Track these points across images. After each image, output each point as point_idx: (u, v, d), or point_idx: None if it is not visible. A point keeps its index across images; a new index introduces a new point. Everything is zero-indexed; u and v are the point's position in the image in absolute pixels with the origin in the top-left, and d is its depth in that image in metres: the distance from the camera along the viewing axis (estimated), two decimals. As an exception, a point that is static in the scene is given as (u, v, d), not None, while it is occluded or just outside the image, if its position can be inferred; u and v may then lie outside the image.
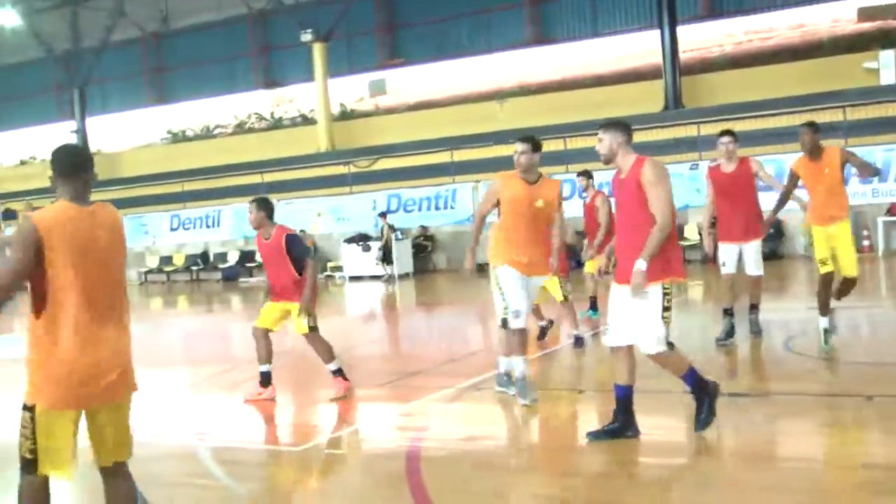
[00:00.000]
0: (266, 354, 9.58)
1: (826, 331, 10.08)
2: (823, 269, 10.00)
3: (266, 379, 9.58)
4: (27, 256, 4.42)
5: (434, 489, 6.23)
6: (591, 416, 8.31)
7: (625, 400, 6.98)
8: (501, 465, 7.06)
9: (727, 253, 10.77)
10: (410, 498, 6.10)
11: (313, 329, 9.44)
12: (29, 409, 4.52)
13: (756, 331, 11.07)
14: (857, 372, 9.38)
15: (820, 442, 7.15)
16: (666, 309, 6.66)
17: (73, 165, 4.76)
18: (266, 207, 9.58)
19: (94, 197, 4.78)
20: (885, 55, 25.50)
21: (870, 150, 23.22)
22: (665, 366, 6.97)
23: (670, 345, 6.80)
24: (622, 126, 7.13)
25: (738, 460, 6.62)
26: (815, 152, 10.08)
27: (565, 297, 11.43)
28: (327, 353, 9.48)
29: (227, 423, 8.99)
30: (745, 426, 7.28)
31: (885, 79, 25.34)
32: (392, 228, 27.60)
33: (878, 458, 6.55)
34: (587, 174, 14.53)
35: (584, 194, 14.50)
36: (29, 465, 4.57)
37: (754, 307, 11.08)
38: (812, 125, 10.29)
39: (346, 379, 9.47)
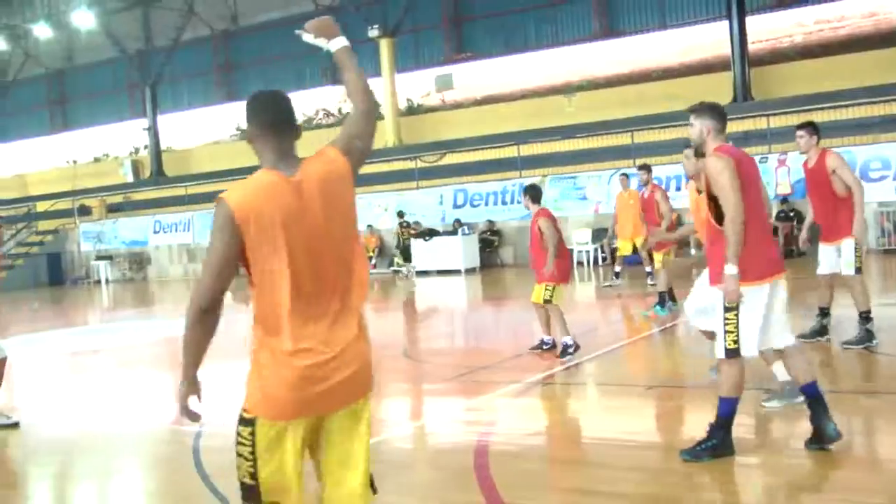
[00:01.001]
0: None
1: None
2: None
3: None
4: (226, 247, 3.58)
5: (502, 483, 6.24)
6: (655, 411, 8.29)
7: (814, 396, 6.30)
8: (569, 459, 7.07)
9: (820, 252, 10.16)
10: (479, 492, 6.13)
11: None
12: (247, 422, 3.64)
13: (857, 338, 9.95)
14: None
15: None
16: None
17: (275, 117, 3.72)
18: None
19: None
20: (963, 43, 24.96)
21: (946, 141, 22.77)
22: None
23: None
24: (713, 110, 6.25)
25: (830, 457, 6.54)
26: None
27: (547, 301, 10.87)
28: None
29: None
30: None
31: (962, 67, 24.81)
32: (407, 226, 28.06)
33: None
34: (647, 168, 14.59)
35: (644, 188, 14.46)
36: (250, 493, 3.67)
37: (863, 315, 9.91)
38: None
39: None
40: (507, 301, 20.21)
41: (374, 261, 29.58)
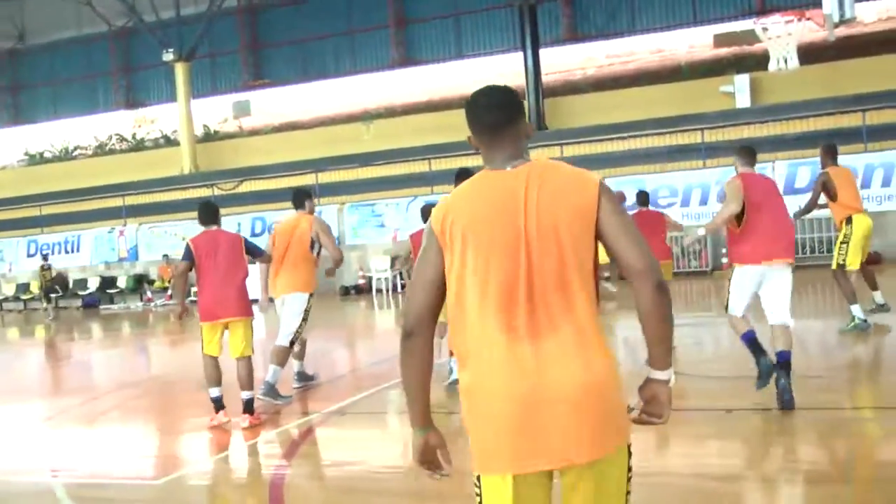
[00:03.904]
0: None
1: None
2: None
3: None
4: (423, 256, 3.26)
5: (299, 519, 6.11)
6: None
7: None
8: (368, 489, 6.99)
9: None
10: (275, 529, 5.98)
11: None
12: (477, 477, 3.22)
13: None
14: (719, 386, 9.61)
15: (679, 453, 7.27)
16: None
17: (488, 116, 3.35)
18: None
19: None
20: (740, 79, 26.37)
21: (726, 171, 23.93)
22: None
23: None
24: (739, 151, 8.81)
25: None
26: None
27: None
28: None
29: (86, 457, 8.69)
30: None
31: (741, 102, 26.20)
32: (48, 270, 28.70)
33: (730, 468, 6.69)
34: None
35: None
36: None
37: None
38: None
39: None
40: (311, 329, 19.96)
41: (170, 291, 28.81)
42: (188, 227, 29.04)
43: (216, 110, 39.08)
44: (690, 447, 7.22)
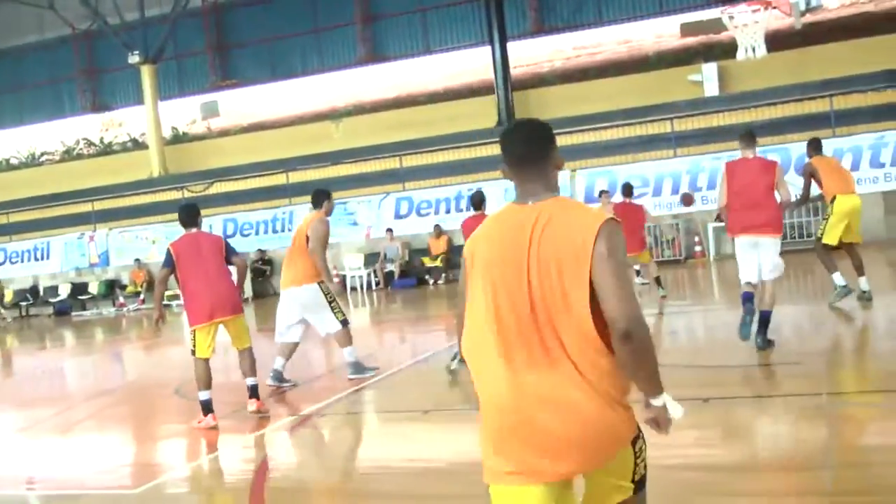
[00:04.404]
0: None
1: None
2: None
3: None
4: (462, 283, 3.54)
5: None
6: (433, 436, 8.27)
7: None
8: (348, 491, 6.95)
9: None
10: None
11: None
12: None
13: None
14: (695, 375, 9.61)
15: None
16: None
17: (514, 150, 3.56)
18: None
19: None
20: (708, 68, 26.46)
21: (696, 160, 24.04)
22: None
23: None
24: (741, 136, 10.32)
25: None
26: None
27: None
28: None
29: (61, 467, 8.58)
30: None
31: (709, 91, 26.28)
32: None
33: (714, 458, 6.68)
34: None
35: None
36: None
37: None
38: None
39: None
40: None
41: (142, 296, 28.63)
42: (159, 231, 28.92)
43: (184, 112, 38.91)
44: (667, 437, 7.20)
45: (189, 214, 9.57)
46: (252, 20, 34.50)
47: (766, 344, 9.78)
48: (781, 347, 9.94)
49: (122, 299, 29.42)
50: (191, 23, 33.79)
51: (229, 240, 26.80)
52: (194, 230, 9.50)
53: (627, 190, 15.78)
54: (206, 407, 9.20)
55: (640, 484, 3.49)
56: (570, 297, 3.22)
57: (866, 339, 11.47)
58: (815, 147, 12.90)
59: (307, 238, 10.61)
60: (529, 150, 3.49)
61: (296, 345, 11.08)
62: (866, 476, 5.90)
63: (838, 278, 12.48)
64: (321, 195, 11.01)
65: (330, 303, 10.73)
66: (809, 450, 6.67)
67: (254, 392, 9.51)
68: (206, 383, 9.21)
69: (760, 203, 9.81)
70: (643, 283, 17.27)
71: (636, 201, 16.28)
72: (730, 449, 6.93)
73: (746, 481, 6.08)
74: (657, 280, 15.95)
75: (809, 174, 12.58)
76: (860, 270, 12.73)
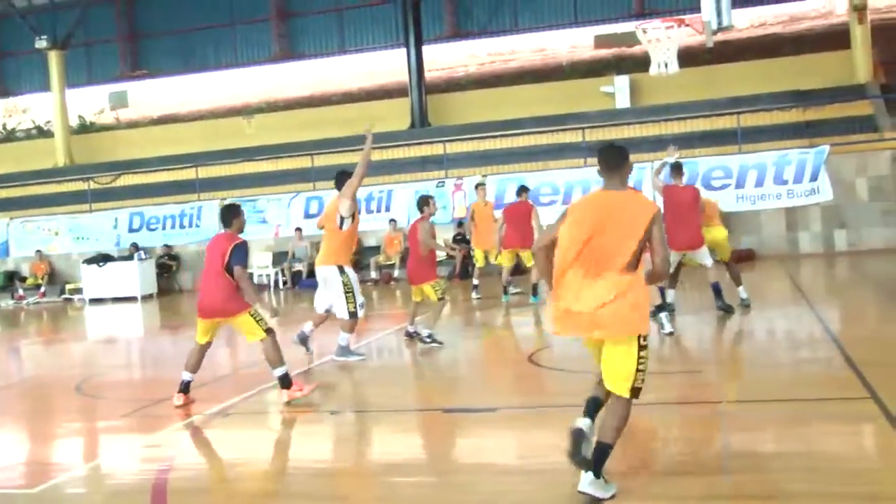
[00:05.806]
0: None
1: None
2: None
3: None
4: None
5: (182, 525, 5.99)
6: (340, 436, 8.26)
7: None
8: (253, 491, 6.89)
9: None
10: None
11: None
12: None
13: None
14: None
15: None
16: None
17: (610, 164, 6.01)
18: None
19: None
20: (620, 80, 26.88)
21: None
22: None
23: None
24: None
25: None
26: None
27: (441, 298, 12.69)
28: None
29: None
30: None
31: (620, 102, 26.69)
32: None
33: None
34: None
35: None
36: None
37: None
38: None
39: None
40: (187, 328, 19.66)
41: (43, 288, 28.00)
42: (62, 222, 28.34)
43: (92, 101, 38.20)
44: (563, 443, 7.30)
45: (222, 214, 9.94)
46: (166, 10, 34.08)
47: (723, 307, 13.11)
48: (682, 356, 10.12)
49: (21, 291, 28.66)
50: (102, 9, 33.29)
51: (134, 235, 26.56)
52: (225, 230, 9.77)
53: (521, 190, 17.55)
54: (182, 387, 9.74)
55: (634, 391, 5.97)
56: (625, 243, 5.69)
57: (767, 349, 11.75)
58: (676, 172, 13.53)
59: (342, 218, 11.56)
60: (611, 164, 6.01)
61: (325, 316, 12.08)
62: (765, 482, 6.05)
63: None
64: (343, 177, 11.89)
65: (346, 292, 11.47)
66: (709, 455, 6.83)
67: (283, 382, 9.54)
68: (191, 367, 9.78)
69: (683, 225, 12.60)
70: (516, 292, 17.84)
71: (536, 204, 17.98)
72: (625, 453, 7.00)
73: (645, 484, 6.18)
74: (534, 287, 16.83)
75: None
76: (738, 281, 13.97)
